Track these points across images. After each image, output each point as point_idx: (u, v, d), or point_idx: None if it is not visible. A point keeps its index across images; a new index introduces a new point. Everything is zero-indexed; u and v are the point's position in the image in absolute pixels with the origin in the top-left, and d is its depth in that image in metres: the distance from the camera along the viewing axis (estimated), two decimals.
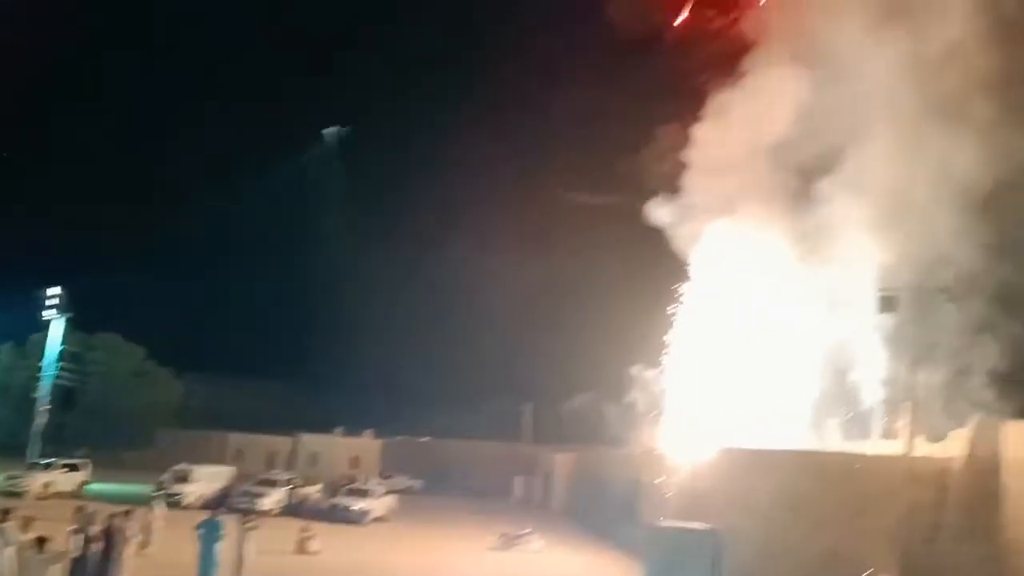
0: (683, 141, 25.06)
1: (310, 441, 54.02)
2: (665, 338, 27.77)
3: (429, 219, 30.15)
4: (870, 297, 23.21)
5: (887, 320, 22.49)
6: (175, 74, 55.43)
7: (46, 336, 45.86)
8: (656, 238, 25.77)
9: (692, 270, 26.50)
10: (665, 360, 27.99)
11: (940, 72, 23.14)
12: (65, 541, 15.59)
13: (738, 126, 25.05)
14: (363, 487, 34.18)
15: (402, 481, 45.61)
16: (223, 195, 50.87)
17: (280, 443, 53.94)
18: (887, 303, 21.01)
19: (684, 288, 26.80)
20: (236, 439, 53.61)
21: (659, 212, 25.88)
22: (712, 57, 25.43)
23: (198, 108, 52.72)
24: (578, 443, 40.87)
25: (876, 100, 24.26)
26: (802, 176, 25.30)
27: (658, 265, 26.51)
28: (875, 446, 22.87)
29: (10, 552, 13.87)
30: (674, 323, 27.19)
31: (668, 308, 27.12)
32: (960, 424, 20.79)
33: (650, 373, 28.20)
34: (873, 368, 24.05)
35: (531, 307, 28.93)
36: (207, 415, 56.89)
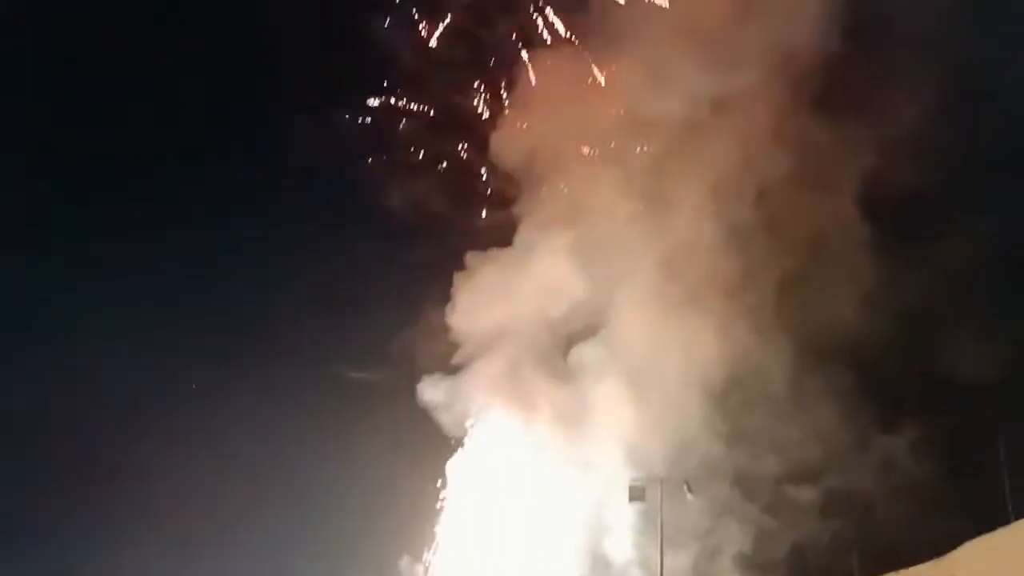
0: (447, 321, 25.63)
1: None
2: (435, 527, 26.82)
3: (188, 401, 27.56)
4: (625, 482, 24.23)
5: (638, 506, 23.37)
6: None
7: None
8: (425, 418, 25.50)
9: (460, 452, 26.30)
10: (433, 551, 26.85)
11: (684, 268, 25.80)
12: None
13: (505, 304, 26.03)
14: None
15: None
16: None
17: None
18: (637, 492, 21.99)
19: (452, 472, 26.39)
20: None
21: (428, 391, 25.81)
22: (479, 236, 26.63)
23: None
24: None
25: (630, 286, 26.18)
26: (569, 348, 26.38)
27: (428, 447, 26.06)
28: None
29: None
30: (442, 510, 26.49)
31: (438, 495, 26.45)
32: None
33: (420, 566, 26.87)
34: (628, 553, 24.61)
35: (291, 488, 26.99)
36: None
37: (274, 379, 26.27)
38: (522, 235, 26.57)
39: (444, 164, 26.49)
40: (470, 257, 26.22)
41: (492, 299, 25.67)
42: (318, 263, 26.89)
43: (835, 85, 25.29)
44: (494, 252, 26.38)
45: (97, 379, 26.25)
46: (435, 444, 25.78)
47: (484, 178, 26.32)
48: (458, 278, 25.74)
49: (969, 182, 25.12)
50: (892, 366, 25.27)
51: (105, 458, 26.45)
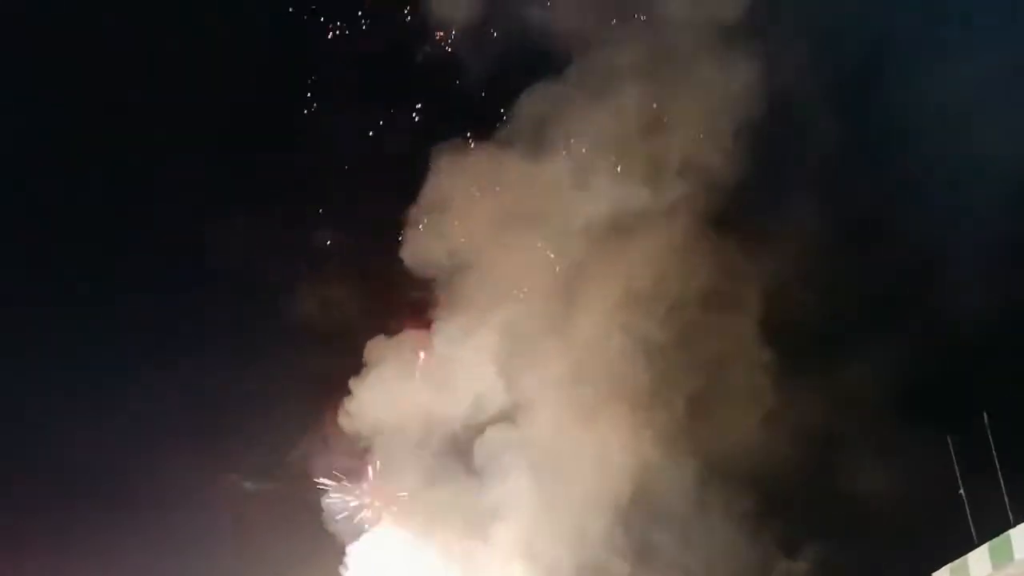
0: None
1: None
2: None
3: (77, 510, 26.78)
4: None
5: None
6: None
7: None
8: (322, 529, 25.07)
9: (360, 561, 25.81)
10: None
11: (588, 381, 25.77)
12: None
13: (404, 405, 25.75)
14: None
15: None
16: None
17: None
18: None
19: None
20: None
21: (328, 500, 25.43)
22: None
23: None
24: None
25: (537, 394, 25.98)
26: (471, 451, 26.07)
27: (327, 557, 25.56)
28: None
29: None
30: None
31: None
32: None
33: None
34: None
35: None
36: None
37: (166, 489, 25.77)
38: (435, 336, 26.47)
39: (359, 275, 26.42)
40: (369, 350, 25.83)
41: (390, 401, 25.46)
42: (220, 372, 26.63)
43: (746, 208, 25.83)
44: (393, 347, 26.06)
45: None
46: (335, 554, 25.33)
47: (399, 287, 26.22)
48: (354, 383, 25.45)
49: (872, 308, 25.80)
50: (796, 488, 25.53)
51: None
